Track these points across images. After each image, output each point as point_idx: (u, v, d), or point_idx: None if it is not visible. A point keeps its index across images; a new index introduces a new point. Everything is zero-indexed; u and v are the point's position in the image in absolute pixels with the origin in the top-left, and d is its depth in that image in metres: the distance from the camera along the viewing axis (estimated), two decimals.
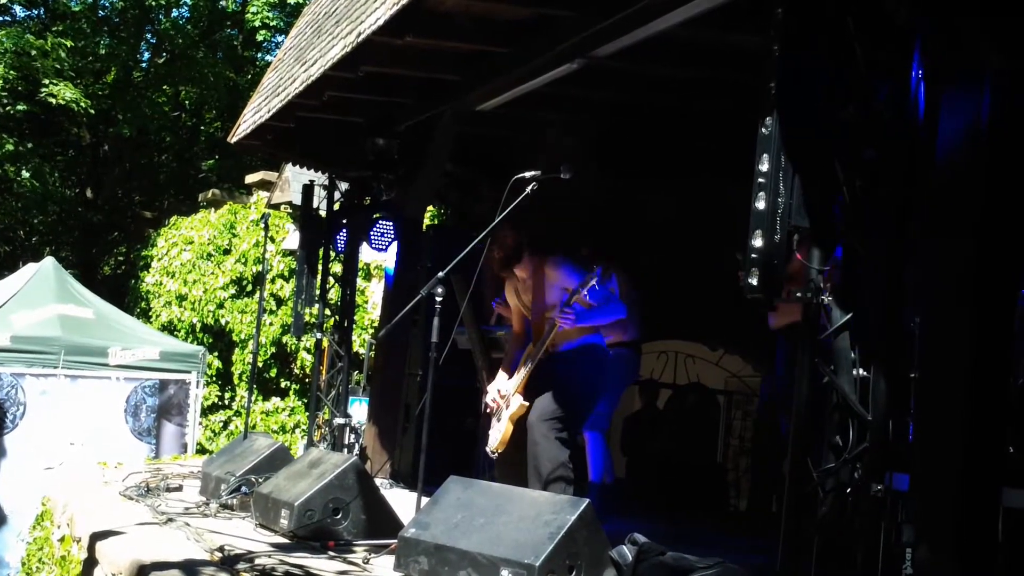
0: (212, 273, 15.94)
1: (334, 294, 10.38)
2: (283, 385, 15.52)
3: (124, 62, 23.24)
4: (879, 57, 4.19)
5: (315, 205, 9.79)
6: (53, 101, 20.11)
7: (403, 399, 9.12)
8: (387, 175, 8.90)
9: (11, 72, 20.40)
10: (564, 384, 5.68)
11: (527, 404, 5.68)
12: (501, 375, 6.01)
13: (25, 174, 22.02)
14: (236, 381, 15.81)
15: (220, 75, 22.88)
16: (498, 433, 5.77)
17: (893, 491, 3.99)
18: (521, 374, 5.79)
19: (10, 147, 21.05)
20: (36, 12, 23.46)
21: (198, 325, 15.77)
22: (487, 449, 5.87)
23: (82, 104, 20.42)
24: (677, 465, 9.22)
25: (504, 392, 5.84)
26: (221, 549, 5.33)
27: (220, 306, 15.64)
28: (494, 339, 7.65)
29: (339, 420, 9.09)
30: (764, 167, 4.16)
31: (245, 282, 15.76)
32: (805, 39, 4.21)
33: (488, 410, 5.97)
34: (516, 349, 6.10)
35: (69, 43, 20.83)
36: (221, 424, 15.64)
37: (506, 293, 6.21)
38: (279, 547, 5.58)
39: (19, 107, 22.32)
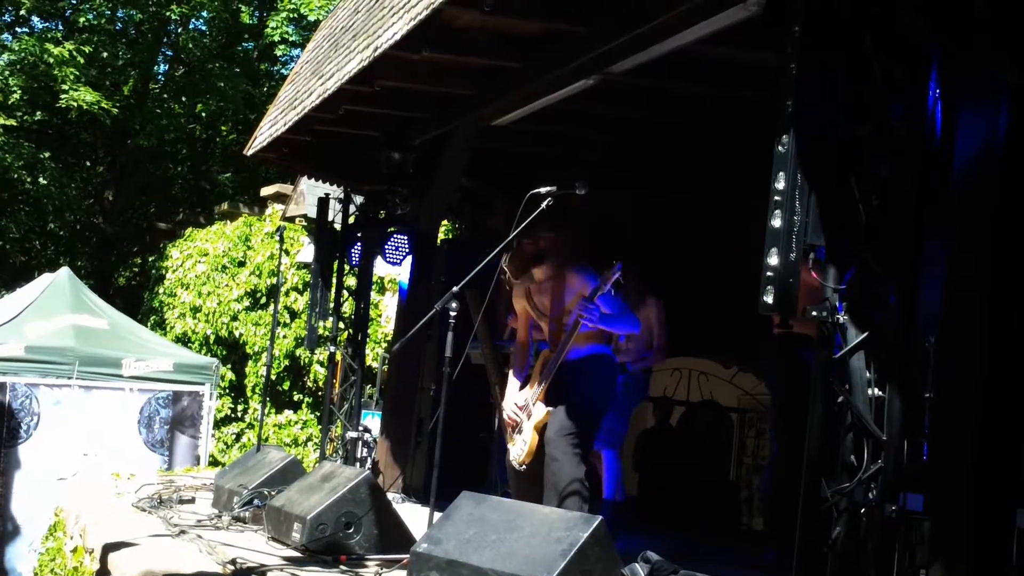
0: (226, 285, 15.98)
1: (348, 307, 10.39)
2: (296, 398, 15.54)
3: (141, 74, 23.35)
4: (896, 74, 4.18)
5: (330, 218, 9.82)
6: (75, 105, 20.16)
7: (416, 413, 9.11)
8: (402, 189, 8.92)
9: (29, 81, 20.50)
10: (577, 397, 5.65)
11: (551, 409, 5.65)
12: (511, 386, 5.98)
13: (42, 181, 22.11)
14: (249, 393, 15.83)
15: (236, 88, 22.97)
16: (524, 444, 5.71)
17: (907, 512, 3.97)
18: (540, 382, 5.75)
19: (26, 150, 21.08)
20: (54, 24, 23.59)
21: (212, 337, 15.81)
22: (513, 462, 5.82)
23: (103, 105, 20.47)
24: (690, 482, 9.18)
25: (523, 403, 5.80)
26: (233, 562, 5.34)
27: (234, 318, 15.67)
28: (508, 354, 7.64)
29: (351, 434, 9.09)
30: (780, 185, 4.15)
31: (259, 294, 15.79)
32: (822, 56, 4.21)
33: (508, 424, 5.92)
34: (523, 357, 6.08)
35: (88, 49, 20.92)
36: (234, 436, 15.66)
37: (514, 298, 6.14)
38: (291, 561, 5.58)
39: (37, 116, 22.45)
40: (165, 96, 23.89)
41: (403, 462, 8.94)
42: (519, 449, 5.73)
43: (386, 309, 15.19)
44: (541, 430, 5.66)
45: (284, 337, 15.03)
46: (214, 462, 13.65)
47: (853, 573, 4.06)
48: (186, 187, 26.53)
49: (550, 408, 5.64)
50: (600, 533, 4.38)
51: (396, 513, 6.01)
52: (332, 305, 9.77)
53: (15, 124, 20.74)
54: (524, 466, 5.73)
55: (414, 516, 6.31)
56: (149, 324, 16.40)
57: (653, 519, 8.21)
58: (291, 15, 22.56)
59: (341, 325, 9.90)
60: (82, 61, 20.55)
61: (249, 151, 10.19)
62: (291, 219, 16.94)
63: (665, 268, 8.28)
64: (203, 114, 24.91)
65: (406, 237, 9.10)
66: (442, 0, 5.66)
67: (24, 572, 10.81)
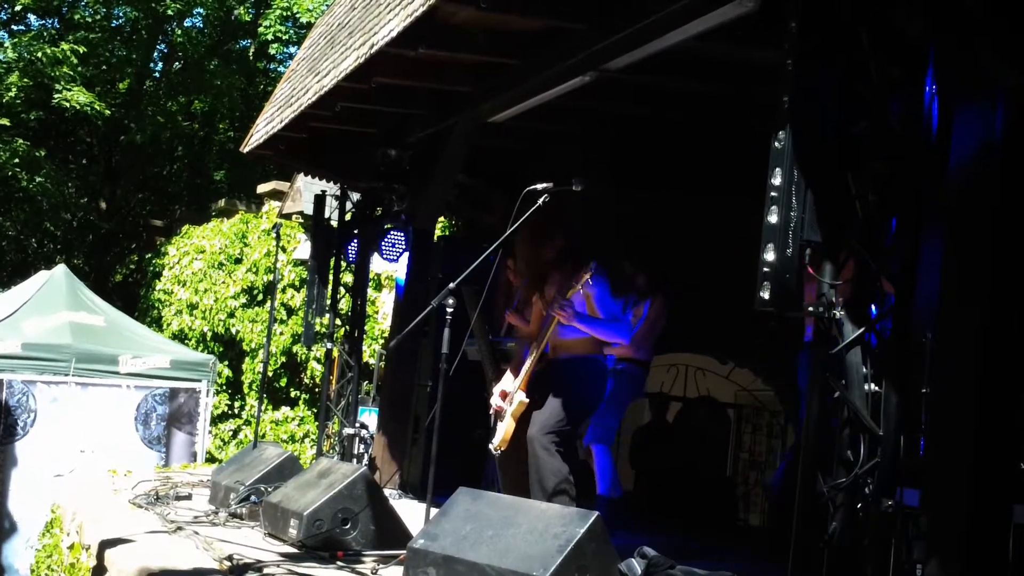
0: (223, 282, 15.96)
1: (345, 304, 10.38)
2: (293, 395, 15.54)
3: (137, 71, 23.33)
4: (893, 72, 4.19)
5: (327, 215, 9.81)
6: (68, 104, 20.12)
7: (412, 410, 9.11)
8: (399, 186, 8.92)
9: (25, 80, 20.47)
10: (562, 395, 5.69)
11: (527, 401, 5.71)
12: (507, 376, 6.02)
13: (39, 179, 22.09)
14: (246, 390, 15.83)
15: (232, 85, 22.93)
16: (501, 431, 5.79)
17: (904, 507, 3.97)
18: (524, 371, 5.80)
19: (22, 148, 21.03)
20: (50, 22, 23.56)
21: (209, 334, 15.80)
22: (490, 446, 5.89)
23: (96, 107, 20.42)
24: (686, 479, 9.19)
25: (507, 390, 5.86)
26: (230, 558, 5.34)
27: (231, 315, 15.66)
28: (504, 350, 7.65)
29: (348, 430, 9.09)
30: (777, 181, 4.16)
31: (256, 291, 15.78)
32: (819, 53, 4.21)
33: (494, 411, 5.98)
34: (524, 349, 6.11)
35: (82, 50, 20.89)
36: (231, 433, 15.65)
37: (533, 290, 6.11)
38: (288, 557, 5.58)
39: (33, 115, 22.41)
40: (161, 93, 23.86)
41: (400, 458, 8.94)
42: (497, 435, 5.82)
43: (383, 306, 15.20)
44: (518, 417, 5.72)
45: (281, 334, 15.03)
46: (211, 459, 13.63)
47: (849, 568, 4.07)
48: (183, 184, 26.52)
49: (526, 399, 5.73)
50: (597, 529, 4.38)
51: (393, 509, 6.02)
52: (329, 302, 9.76)
53: (7, 124, 20.68)
54: (499, 451, 5.81)
55: (411, 512, 6.32)
56: (146, 321, 16.38)
57: (650, 515, 8.21)
58: (284, 13, 22.53)
59: (338, 322, 9.90)
60: (75, 61, 20.51)
61: (246, 148, 10.19)
62: (288, 216, 16.94)
63: (662, 264, 8.29)
64: (199, 111, 24.88)
65: (403, 234, 9.10)
66: None
67: (21, 569, 10.81)
